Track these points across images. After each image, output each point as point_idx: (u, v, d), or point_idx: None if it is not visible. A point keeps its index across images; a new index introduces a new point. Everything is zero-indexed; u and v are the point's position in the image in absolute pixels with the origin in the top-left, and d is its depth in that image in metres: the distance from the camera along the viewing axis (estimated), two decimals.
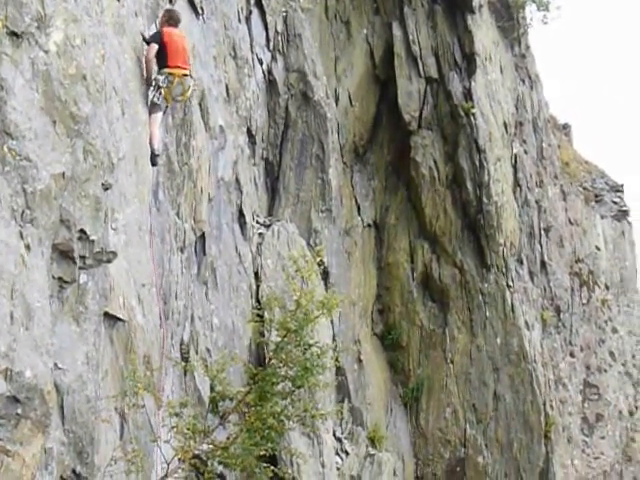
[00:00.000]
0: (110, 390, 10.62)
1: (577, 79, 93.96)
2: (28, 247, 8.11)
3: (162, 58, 13.45)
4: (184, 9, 15.96)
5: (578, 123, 72.90)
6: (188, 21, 16.13)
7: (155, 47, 13.37)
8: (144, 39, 13.59)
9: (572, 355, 26.96)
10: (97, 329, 9.93)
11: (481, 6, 25.06)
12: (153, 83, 13.36)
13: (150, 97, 13.28)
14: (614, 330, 29.06)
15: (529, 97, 27.56)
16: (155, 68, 13.59)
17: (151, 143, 13.17)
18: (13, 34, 8.09)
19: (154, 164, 13.29)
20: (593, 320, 28.16)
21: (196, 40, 16.54)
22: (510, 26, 26.70)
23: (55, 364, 8.73)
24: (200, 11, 16.86)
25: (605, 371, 28.16)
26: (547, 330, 25.89)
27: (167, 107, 13.85)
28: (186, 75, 13.60)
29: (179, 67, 13.50)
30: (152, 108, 13.32)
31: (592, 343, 27.91)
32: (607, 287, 29.47)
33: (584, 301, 28.07)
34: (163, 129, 14.12)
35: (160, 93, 13.28)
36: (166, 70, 13.40)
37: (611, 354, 28.58)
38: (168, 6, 14.68)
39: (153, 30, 13.99)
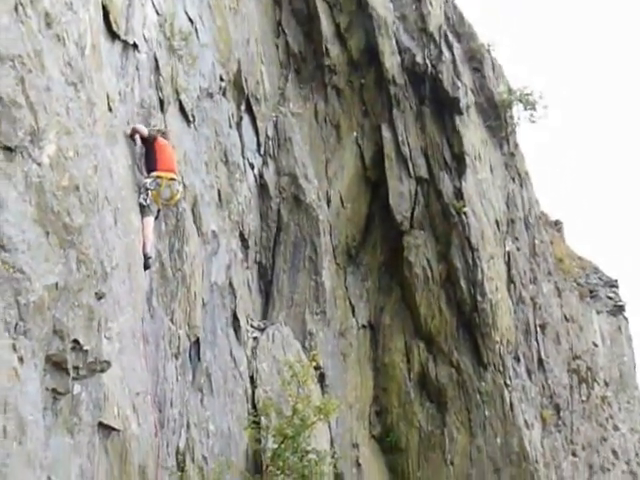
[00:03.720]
0: None
1: (567, 175, 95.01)
2: (21, 359, 8.01)
3: (151, 162, 13.93)
4: (175, 117, 16.21)
5: (570, 219, 73.46)
6: (179, 129, 16.35)
7: (146, 130, 13.81)
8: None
9: (574, 454, 26.56)
10: (91, 440, 9.77)
11: (468, 106, 25.47)
12: (141, 187, 13.58)
13: (139, 200, 13.47)
14: (615, 428, 28.70)
15: (519, 195, 27.79)
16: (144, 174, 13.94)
17: (144, 246, 13.30)
18: (6, 148, 8.14)
19: (147, 267, 13.36)
20: (594, 418, 27.84)
21: (187, 147, 16.73)
22: (498, 125, 27.09)
23: (49, 478, 8.55)
24: (191, 119, 17.10)
25: (608, 470, 27.71)
26: (547, 429, 25.57)
27: (159, 211, 14.02)
28: (174, 179, 13.87)
29: (167, 171, 13.80)
30: (143, 212, 13.49)
31: (594, 441, 27.53)
32: (606, 383, 29.23)
33: (583, 398, 27.79)
34: (156, 236, 14.18)
35: (148, 195, 13.52)
36: (154, 173, 13.77)
37: (614, 452, 28.17)
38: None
39: None
